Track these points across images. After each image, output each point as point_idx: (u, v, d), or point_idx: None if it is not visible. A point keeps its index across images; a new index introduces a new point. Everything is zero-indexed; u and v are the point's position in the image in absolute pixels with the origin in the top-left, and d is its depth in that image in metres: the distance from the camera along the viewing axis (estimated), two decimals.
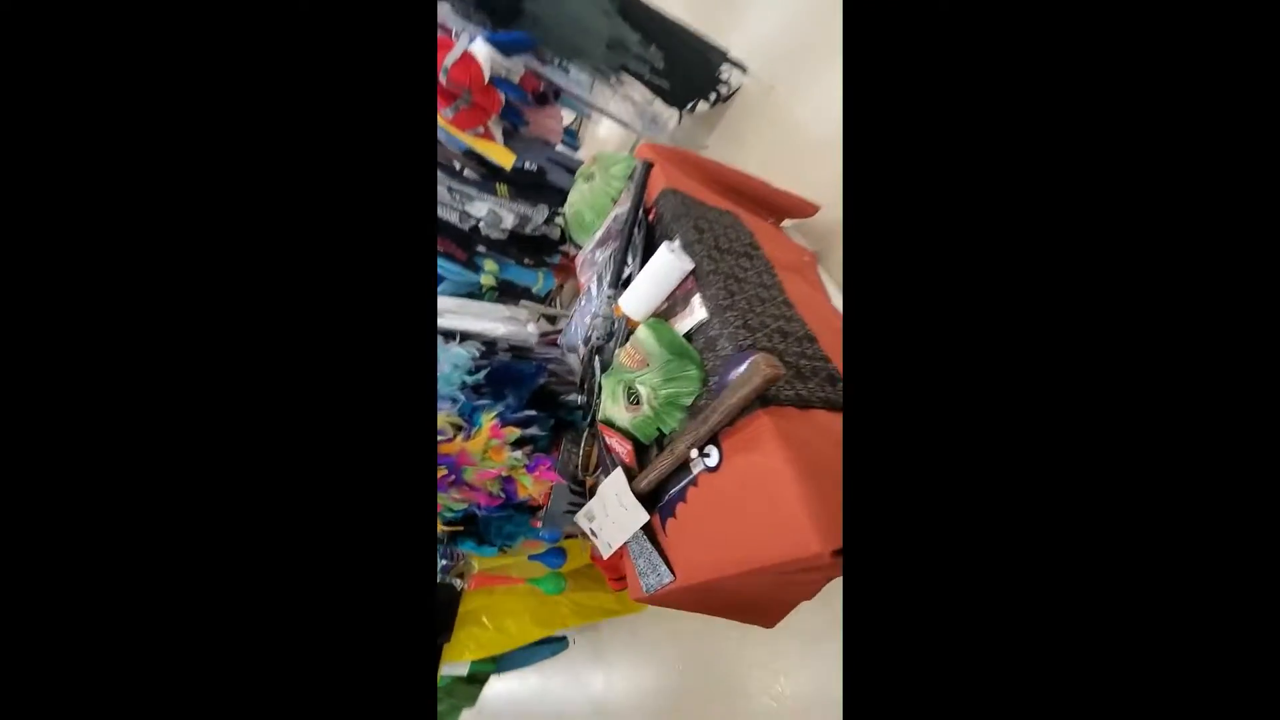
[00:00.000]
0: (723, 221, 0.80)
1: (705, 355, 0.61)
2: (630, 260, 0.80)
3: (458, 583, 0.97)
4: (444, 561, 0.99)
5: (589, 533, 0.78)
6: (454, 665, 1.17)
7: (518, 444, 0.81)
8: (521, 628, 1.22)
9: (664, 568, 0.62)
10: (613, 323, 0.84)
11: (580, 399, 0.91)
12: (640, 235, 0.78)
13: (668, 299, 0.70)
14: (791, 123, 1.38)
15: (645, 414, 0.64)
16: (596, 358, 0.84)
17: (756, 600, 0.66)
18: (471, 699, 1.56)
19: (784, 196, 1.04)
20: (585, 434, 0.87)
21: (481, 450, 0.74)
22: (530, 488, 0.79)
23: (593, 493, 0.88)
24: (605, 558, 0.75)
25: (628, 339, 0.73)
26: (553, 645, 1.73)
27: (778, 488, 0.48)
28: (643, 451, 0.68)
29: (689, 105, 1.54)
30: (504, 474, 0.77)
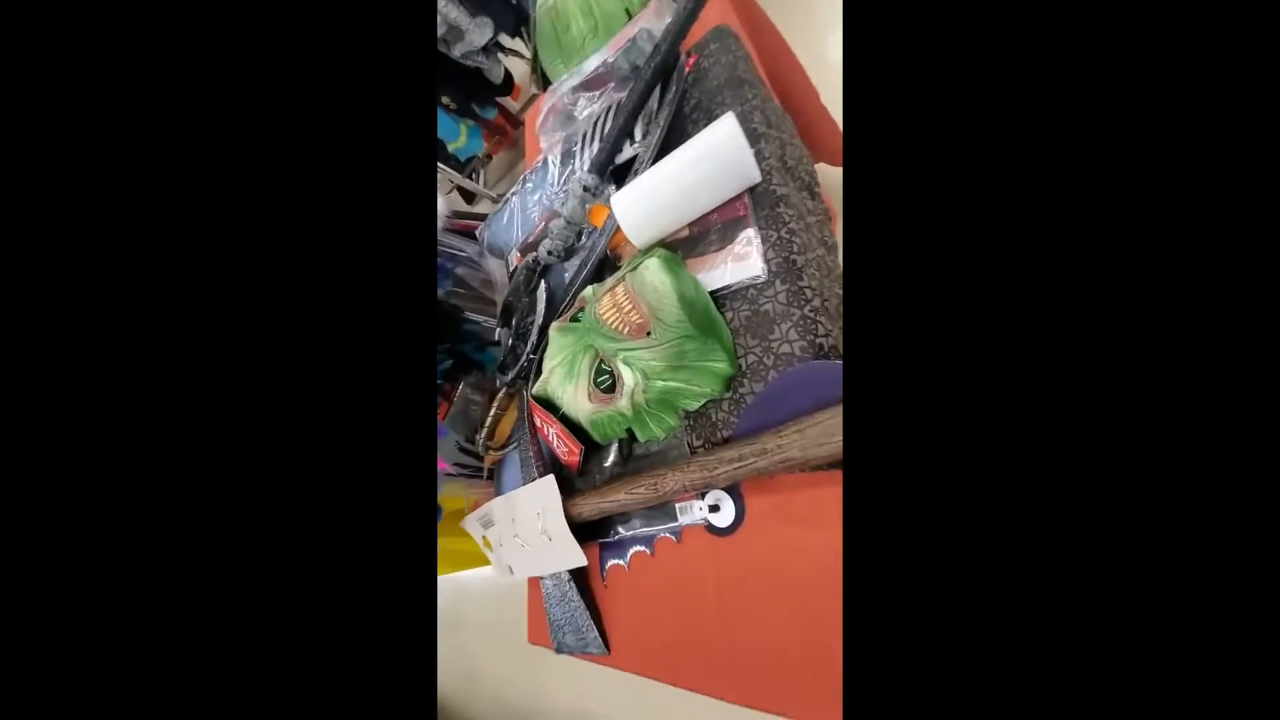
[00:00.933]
0: (786, 127, 0.49)
1: (744, 339, 0.35)
2: (642, 134, 0.46)
3: None
4: None
5: (480, 541, 0.52)
6: None
7: None
8: None
9: (593, 634, 0.41)
10: (583, 234, 0.51)
11: (502, 335, 0.60)
12: (674, 93, 0.44)
13: (697, 223, 0.40)
14: None
15: (619, 409, 0.37)
16: (543, 284, 0.52)
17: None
18: None
19: (831, 128, 0.75)
20: (501, 391, 0.57)
21: None
22: None
23: (491, 474, 0.61)
24: (499, 575, 0.51)
25: (613, 274, 0.43)
26: None
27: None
28: (593, 453, 0.43)
29: None
30: None
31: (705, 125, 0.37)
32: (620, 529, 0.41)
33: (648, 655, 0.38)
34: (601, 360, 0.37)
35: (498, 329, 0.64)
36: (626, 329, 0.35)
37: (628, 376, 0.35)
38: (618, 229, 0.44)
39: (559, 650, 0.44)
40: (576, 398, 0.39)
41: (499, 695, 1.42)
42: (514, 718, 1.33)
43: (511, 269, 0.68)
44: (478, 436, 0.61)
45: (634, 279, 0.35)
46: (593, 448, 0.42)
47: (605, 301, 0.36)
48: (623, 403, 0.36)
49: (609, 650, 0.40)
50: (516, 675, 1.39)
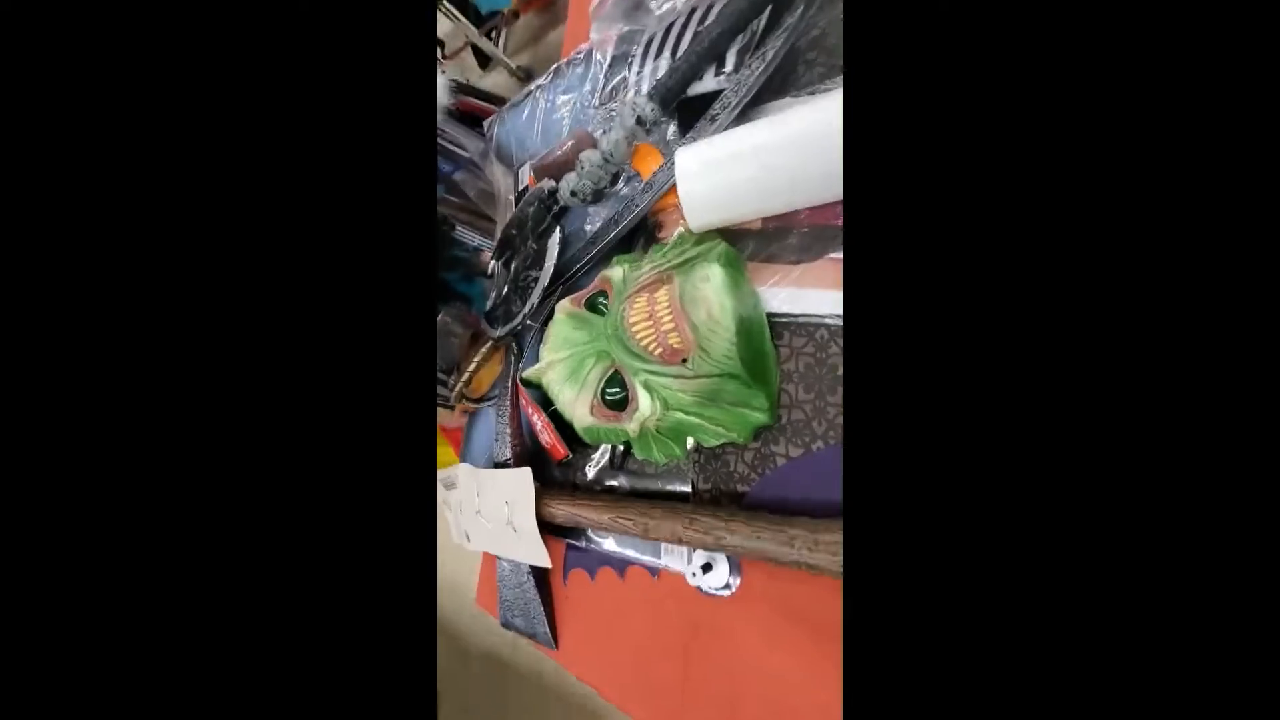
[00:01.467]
0: None
1: (793, 388, 0.28)
2: (734, 64, 0.32)
3: None
4: None
5: (440, 501, 0.48)
6: None
7: None
8: None
9: (544, 628, 0.39)
10: (620, 178, 0.40)
11: (496, 271, 0.50)
12: (800, 17, 0.30)
13: (777, 217, 0.30)
14: None
15: (622, 428, 0.30)
16: (558, 230, 0.41)
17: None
18: None
19: None
20: (488, 342, 0.49)
21: None
22: None
23: (464, 404, 0.56)
24: (454, 539, 0.48)
25: (646, 246, 0.33)
26: None
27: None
28: (579, 446, 0.37)
29: None
30: None
31: (831, 82, 0.25)
32: (593, 541, 0.37)
33: (596, 668, 0.36)
34: (616, 370, 0.30)
35: (490, 261, 0.53)
36: (659, 350, 0.27)
37: (644, 403, 0.28)
38: (670, 191, 0.34)
39: (505, 626, 0.42)
40: (575, 404, 0.31)
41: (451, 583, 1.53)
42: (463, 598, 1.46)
43: (521, 188, 0.56)
44: (451, 379, 0.54)
45: (685, 287, 0.26)
46: (580, 443, 0.37)
47: (639, 307, 0.28)
48: (630, 425, 0.30)
49: (556, 647, 0.39)
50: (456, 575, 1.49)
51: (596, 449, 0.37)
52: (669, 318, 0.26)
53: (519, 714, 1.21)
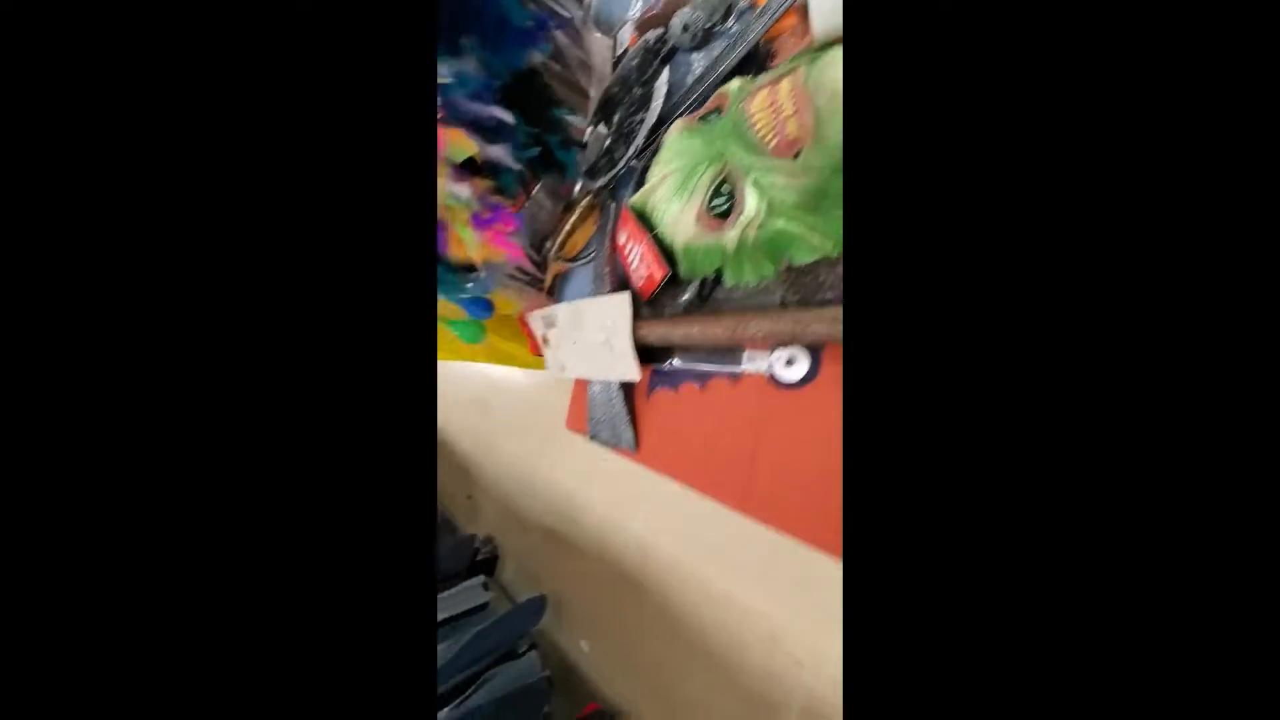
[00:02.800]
0: None
1: None
2: None
3: None
4: None
5: (540, 338, 0.55)
6: None
7: (469, 166, 0.43)
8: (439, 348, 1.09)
9: (629, 434, 0.46)
10: (731, 13, 0.39)
11: (593, 135, 0.52)
12: None
13: None
14: None
15: (722, 242, 0.33)
16: (664, 73, 0.42)
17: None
18: None
19: None
20: (585, 199, 0.53)
21: None
22: (470, 247, 0.47)
23: (553, 291, 0.61)
24: (550, 373, 0.55)
25: (773, 64, 0.33)
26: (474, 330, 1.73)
27: None
28: (668, 286, 0.41)
29: None
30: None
31: None
32: (677, 360, 0.42)
33: (672, 460, 0.43)
34: (724, 179, 0.32)
35: (588, 127, 0.55)
36: (775, 139, 0.28)
37: (751, 203, 0.30)
38: (786, 13, 0.33)
39: (592, 439, 0.50)
40: (682, 216, 0.35)
41: (513, 464, 1.76)
42: (522, 480, 1.68)
43: (621, 51, 0.55)
44: (547, 244, 0.59)
45: (811, 72, 0.27)
46: (671, 280, 0.40)
47: (760, 98, 0.29)
48: (731, 234, 0.32)
49: (637, 449, 0.46)
50: (529, 453, 1.69)
51: (686, 288, 0.40)
52: (790, 104, 0.28)
53: (571, 571, 1.42)
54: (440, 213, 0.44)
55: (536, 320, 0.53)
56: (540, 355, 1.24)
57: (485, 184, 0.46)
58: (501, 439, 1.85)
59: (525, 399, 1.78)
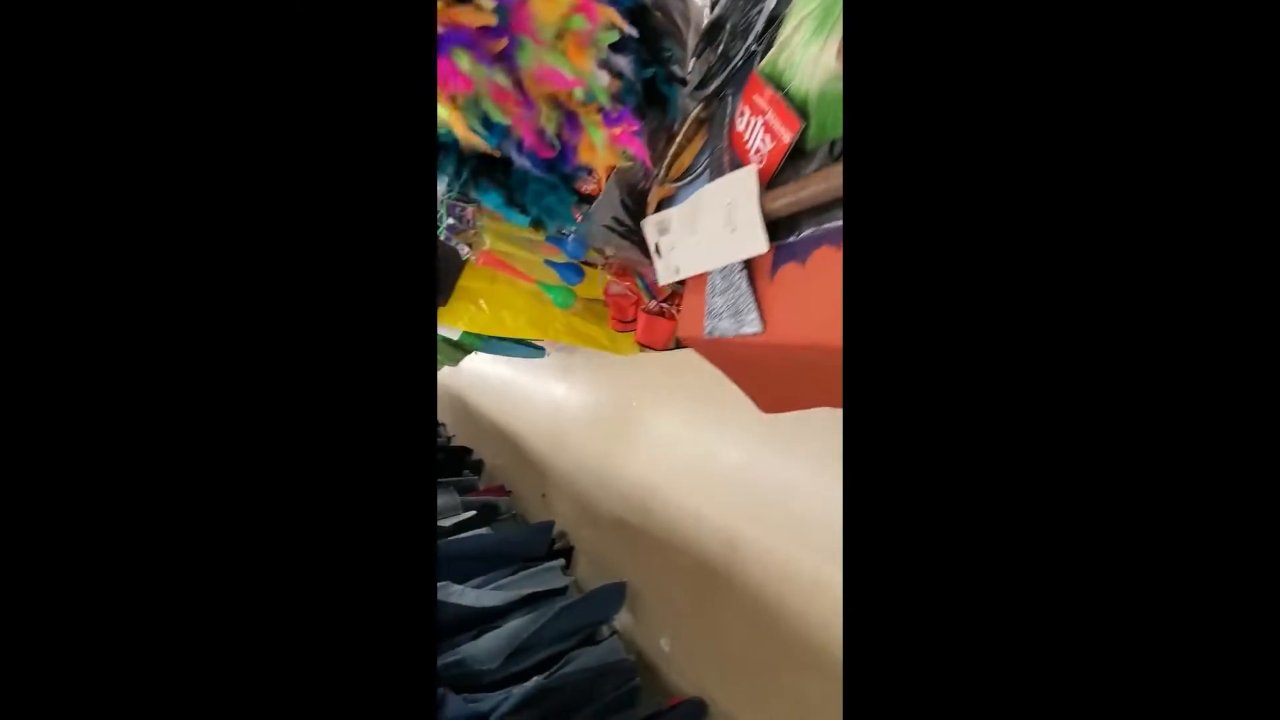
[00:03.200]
0: None
1: None
2: None
3: (464, 250, 0.80)
4: (451, 220, 0.79)
5: (653, 248, 0.57)
6: (447, 329, 1.15)
7: (604, 67, 0.47)
8: (516, 323, 1.18)
9: (753, 314, 0.45)
10: None
11: (696, 61, 0.56)
12: None
13: None
14: None
15: None
16: None
17: (797, 381, 0.55)
18: (454, 360, 1.69)
19: None
20: (689, 116, 0.56)
21: (556, 25, 0.41)
22: (599, 151, 0.52)
23: (648, 215, 0.64)
24: (662, 283, 0.57)
25: None
26: (533, 349, 1.84)
27: None
28: (793, 159, 0.42)
29: None
30: (569, 102, 0.47)
31: None
32: (807, 228, 0.42)
33: (803, 330, 0.41)
34: None
35: (691, 59, 0.59)
36: None
37: None
38: None
39: (710, 334, 0.50)
40: (821, 56, 0.36)
41: (585, 459, 1.78)
42: (596, 475, 1.69)
43: None
44: (655, 170, 0.62)
45: None
46: (796, 153, 0.41)
47: None
48: None
49: (764, 329, 0.45)
50: (602, 447, 1.70)
51: (814, 157, 0.41)
52: None
53: (648, 565, 1.37)
54: (577, 105, 0.48)
55: (651, 228, 0.56)
56: (622, 329, 1.27)
57: (616, 82, 0.50)
58: (574, 435, 1.89)
59: (597, 393, 1.82)
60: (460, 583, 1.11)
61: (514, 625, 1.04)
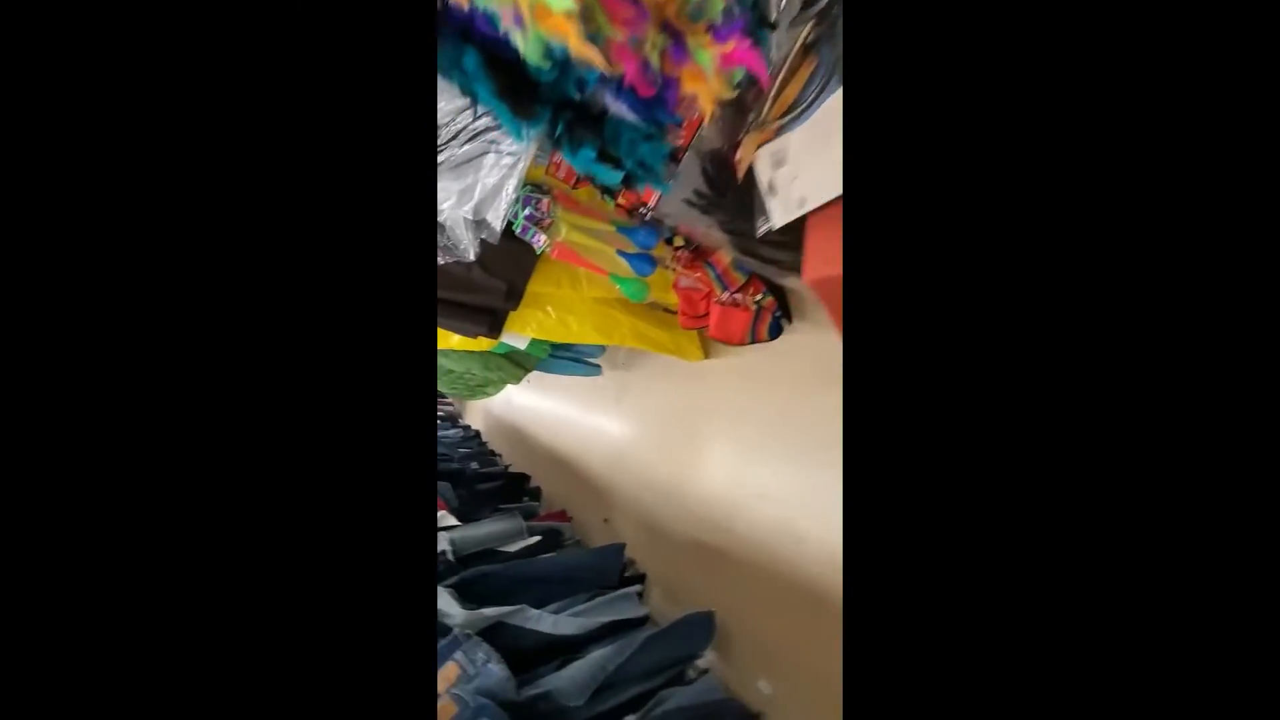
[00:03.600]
0: None
1: None
2: None
3: (541, 240, 0.79)
4: (528, 211, 0.78)
5: (764, 187, 0.51)
6: (515, 336, 1.14)
7: None
8: (582, 328, 1.15)
9: None
10: None
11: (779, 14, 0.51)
12: None
13: None
14: None
15: None
16: None
17: None
18: (516, 378, 1.70)
19: None
20: (792, 48, 0.51)
21: None
22: (707, 76, 0.47)
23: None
24: (778, 225, 0.50)
25: None
26: (591, 367, 1.82)
27: None
28: None
29: None
30: (677, 20, 0.43)
31: None
32: None
33: None
34: None
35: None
36: None
37: None
38: None
39: None
40: None
41: (652, 479, 1.68)
42: (665, 495, 1.58)
43: None
44: (760, 108, 0.56)
45: None
46: None
47: None
48: None
49: None
50: (671, 464, 1.59)
51: None
52: None
53: (734, 596, 1.22)
54: (680, 24, 0.44)
55: (764, 161, 0.50)
56: (693, 325, 1.21)
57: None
58: (633, 455, 1.80)
59: (657, 409, 1.74)
60: (537, 607, 1.02)
61: (597, 658, 0.93)
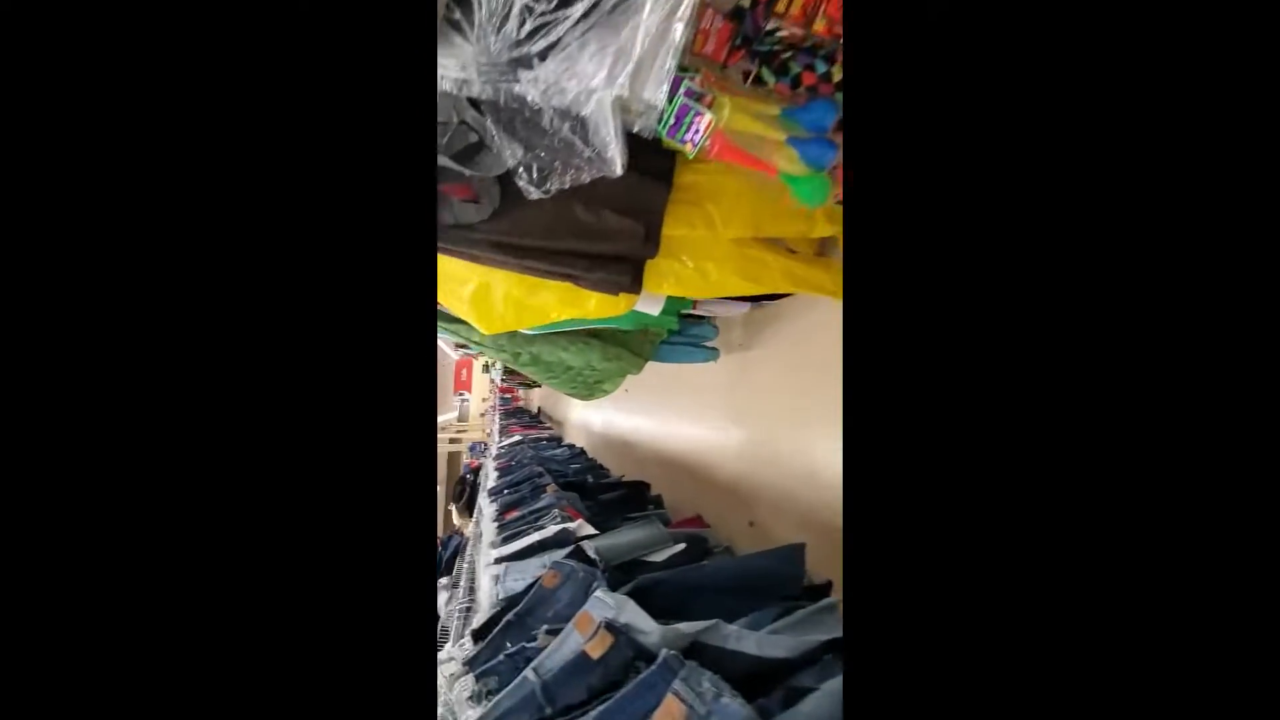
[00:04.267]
0: None
1: None
2: None
3: (703, 126, 0.62)
4: (686, 86, 0.61)
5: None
6: (650, 300, 0.99)
7: None
8: (722, 276, 0.96)
9: None
10: None
11: None
12: None
13: None
14: None
15: None
16: None
17: None
18: (637, 367, 1.55)
19: None
20: None
21: None
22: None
23: None
24: None
25: None
26: (709, 351, 1.63)
27: None
28: None
29: None
30: None
31: None
32: None
33: None
34: None
35: None
36: None
37: None
38: None
39: None
40: None
41: (797, 465, 1.40)
42: (809, 481, 1.29)
43: None
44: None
45: None
46: None
47: None
48: None
49: None
50: (812, 446, 1.32)
51: None
52: None
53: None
54: None
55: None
56: None
57: None
58: (775, 443, 1.54)
59: (787, 382, 1.48)
60: (730, 620, 0.80)
61: (833, 691, 0.68)
